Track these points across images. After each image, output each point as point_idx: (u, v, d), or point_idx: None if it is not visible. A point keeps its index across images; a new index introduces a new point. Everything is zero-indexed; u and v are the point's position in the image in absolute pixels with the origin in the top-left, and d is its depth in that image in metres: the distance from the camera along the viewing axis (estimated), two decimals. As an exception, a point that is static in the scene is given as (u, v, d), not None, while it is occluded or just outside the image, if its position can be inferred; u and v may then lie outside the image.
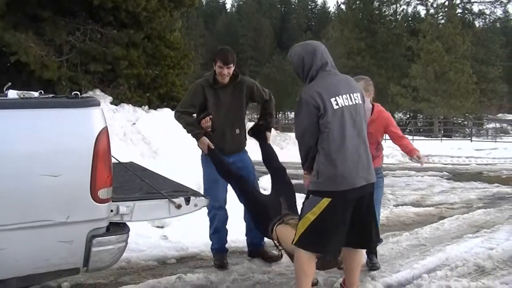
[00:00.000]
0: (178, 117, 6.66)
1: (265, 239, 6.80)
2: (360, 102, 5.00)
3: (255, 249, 7.05)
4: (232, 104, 6.64)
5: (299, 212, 5.10)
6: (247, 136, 6.90)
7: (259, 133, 6.85)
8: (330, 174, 4.77)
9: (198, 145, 6.60)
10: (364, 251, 5.54)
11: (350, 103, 4.87)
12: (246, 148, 6.84)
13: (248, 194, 6.33)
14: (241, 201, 6.60)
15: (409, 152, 6.57)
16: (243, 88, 6.68)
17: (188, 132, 6.62)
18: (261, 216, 6.13)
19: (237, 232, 7.23)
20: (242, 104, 6.71)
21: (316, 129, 4.79)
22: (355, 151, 4.84)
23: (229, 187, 6.65)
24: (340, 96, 4.82)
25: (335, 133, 4.76)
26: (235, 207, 6.90)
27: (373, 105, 6.58)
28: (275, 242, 5.96)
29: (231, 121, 6.63)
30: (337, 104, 4.77)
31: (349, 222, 4.93)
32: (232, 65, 6.47)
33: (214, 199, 6.19)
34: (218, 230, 6.82)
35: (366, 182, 4.90)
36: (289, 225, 5.57)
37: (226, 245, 6.98)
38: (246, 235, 7.08)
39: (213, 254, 6.96)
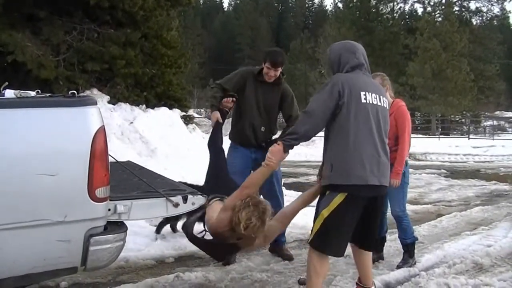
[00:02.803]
0: (211, 88, 6.91)
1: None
2: (387, 107, 5.05)
3: (275, 245, 7.10)
4: (266, 101, 6.80)
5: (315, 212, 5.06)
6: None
7: None
8: (344, 167, 4.73)
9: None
10: None
11: (378, 104, 4.89)
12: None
13: (216, 167, 6.19)
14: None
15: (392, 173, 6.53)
16: (279, 91, 6.85)
17: (207, 101, 6.87)
18: (208, 187, 5.99)
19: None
20: (275, 105, 6.87)
21: (326, 113, 4.75)
22: (373, 149, 4.81)
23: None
24: (370, 93, 4.84)
25: (357, 126, 4.74)
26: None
27: (393, 100, 6.70)
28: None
29: (259, 117, 6.77)
30: (365, 98, 4.78)
31: (357, 223, 4.92)
32: (280, 68, 6.65)
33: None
34: None
35: (379, 183, 4.84)
36: (223, 204, 5.18)
37: None
38: None
39: None
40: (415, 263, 6.78)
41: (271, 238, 5.27)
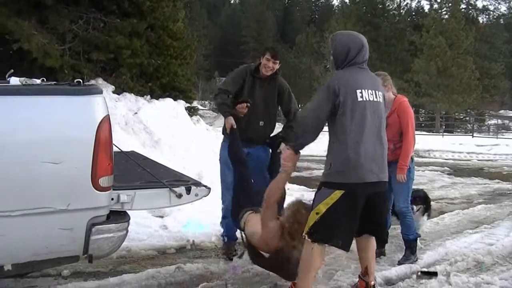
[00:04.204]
0: (216, 95, 6.91)
1: None
2: (382, 101, 5.06)
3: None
4: (264, 96, 6.82)
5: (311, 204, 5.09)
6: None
7: (275, 144, 6.85)
8: (343, 166, 4.79)
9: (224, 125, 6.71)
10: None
11: (375, 99, 4.93)
12: None
13: (241, 179, 6.31)
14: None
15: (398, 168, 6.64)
16: (276, 86, 6.89)
17: (219, 109, 6.92)
18: (240, 203, 6.11)
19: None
20: (273, 99, 6.90)
21: (324, 114, 4.83)
22: (371, 146, 4.87)
23: None
24: (366, 90, 4.87)
25: (354, 125, 4.78)
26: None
27: (395, 96, 6.70)
28: (241, 230, 5.99)
29: (257, 112, 6.76)
30: (361, 96, 4.83)
31: (360, 219, 4.95)
32: (278, 61, 6.74)
33: (224, 182, 6.73)
34: (224, 216, 6.90)
35: (378, 179, 4.90)
36: (258, 214, 5.56)
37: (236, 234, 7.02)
38: None
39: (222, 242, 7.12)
40: (416, 260, 6.78)
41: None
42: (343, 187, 4.78)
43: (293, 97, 7.06)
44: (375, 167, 4.86)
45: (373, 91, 4.93)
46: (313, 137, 4.92)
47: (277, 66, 6.76)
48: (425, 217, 7.98)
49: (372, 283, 5.38)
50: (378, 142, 4.93)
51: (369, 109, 4.86)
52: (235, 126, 6.46)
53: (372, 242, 5.34)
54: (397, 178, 6.57)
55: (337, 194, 4.79)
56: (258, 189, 5.93)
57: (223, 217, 6.92)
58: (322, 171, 5.07)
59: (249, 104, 6.54)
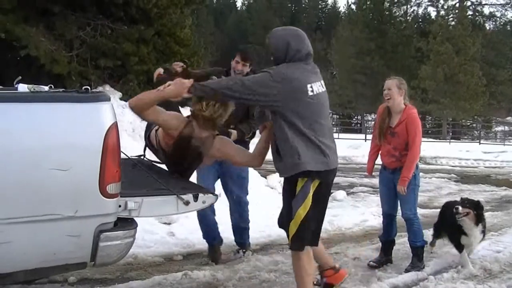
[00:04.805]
0: None
1: None
2: (325, 89, 5.04)
3: (217, 243, 7.11)
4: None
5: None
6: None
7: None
8: (311, 154, 4.77)
9: None
10: None
11: (322, 90, 4.93)
12: None
13: None
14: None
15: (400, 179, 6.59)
16: None
17: None
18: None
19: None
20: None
21: (254, 96, 4.70)
22: (331, 134, 5.00)
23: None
24: (315, 83, 4.85)
25: (310, 119, 4.77)
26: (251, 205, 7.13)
27: (405, 106, 6.65)
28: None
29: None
30: (312, 90, 4.78)
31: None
32: (248, 63, 6.65)
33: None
34: (200, 220, 6.86)
35: (335, 166, 4.99)
36: None
37: (219, 237, 7.07)
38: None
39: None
40: (423, 267, 6.77)
41: (225, 154, 5.20)
42: (317, 176, 4.80)
43: None
44: (332, 155, 4.92)
45: (320, 82, 4.94)
46: (217, 97, 4.76)
47: (247, 69, 6.66)
48: (478, 231, 6.97)
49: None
50: (330, 133, 5.03)
51: (322, 100, 4.90)
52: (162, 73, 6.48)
53: None
54: (397, 189, 6.56)
55: (312, 189, 4.80)
56: None
57: (200, 221, 6.88)
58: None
59: (184, 65, 6.54)
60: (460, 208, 6.83)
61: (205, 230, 6.91)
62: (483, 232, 7.07)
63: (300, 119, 4.72)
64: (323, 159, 4.80)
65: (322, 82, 5.00)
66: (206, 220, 6.82)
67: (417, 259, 6.79)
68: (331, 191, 5.18)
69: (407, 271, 6.66)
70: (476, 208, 6.96)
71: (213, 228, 6.93)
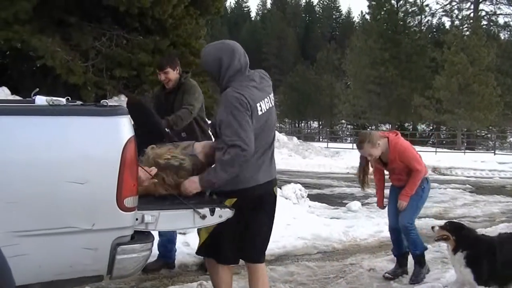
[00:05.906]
0: None
1: None
2: (273, 105, 4.86)
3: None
4: (174, 107, 6.53)
5: None
6: None
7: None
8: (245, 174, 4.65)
9: None
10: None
11: (270, 106, 4.75)
12: None
13: None
14: None
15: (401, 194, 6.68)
16: (182, 93, 6.63)
17: None
18: None
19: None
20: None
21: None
22: (260, 155, 4.71)
23: None
24: (263, 101, 4.67)
25: (259, 138, 4.60)
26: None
27: (386, 138, 6.63)
28: None
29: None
30: (261, 110, 4.62)
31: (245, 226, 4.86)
32: (167, 69, 6.57)
33: None
34: (160, 234, 6.77)
35: (270, 177, 4.84)
36: None
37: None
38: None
39: None
40: (428, 271, 6.84)
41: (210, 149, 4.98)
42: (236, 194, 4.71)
43: (195, 94, 6.64)
44: (264, 171, 4.77)
45: (267, 98, 4.74)
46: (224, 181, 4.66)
47: (171, 76, 6.58)
48: (461, 265, 5.83)
49: None
50: (267, 150, 4.81)
51: (268, 119, 4.70)
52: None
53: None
54: (398, 204, 6.63)
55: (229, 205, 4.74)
56: None
57: (159, 235, 6.78)
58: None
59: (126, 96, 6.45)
60: (436, 227, 6.13)
61: (161, 243, 6.95)
62: (474, 271, 5.72)
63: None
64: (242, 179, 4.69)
65: (271, 96, 4.82)
66: (164, 235, 6.83)
67: (419, 266, 6.86)
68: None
69: (411, 280, 6.73)
70: (456, 232, 5.94)
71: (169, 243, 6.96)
